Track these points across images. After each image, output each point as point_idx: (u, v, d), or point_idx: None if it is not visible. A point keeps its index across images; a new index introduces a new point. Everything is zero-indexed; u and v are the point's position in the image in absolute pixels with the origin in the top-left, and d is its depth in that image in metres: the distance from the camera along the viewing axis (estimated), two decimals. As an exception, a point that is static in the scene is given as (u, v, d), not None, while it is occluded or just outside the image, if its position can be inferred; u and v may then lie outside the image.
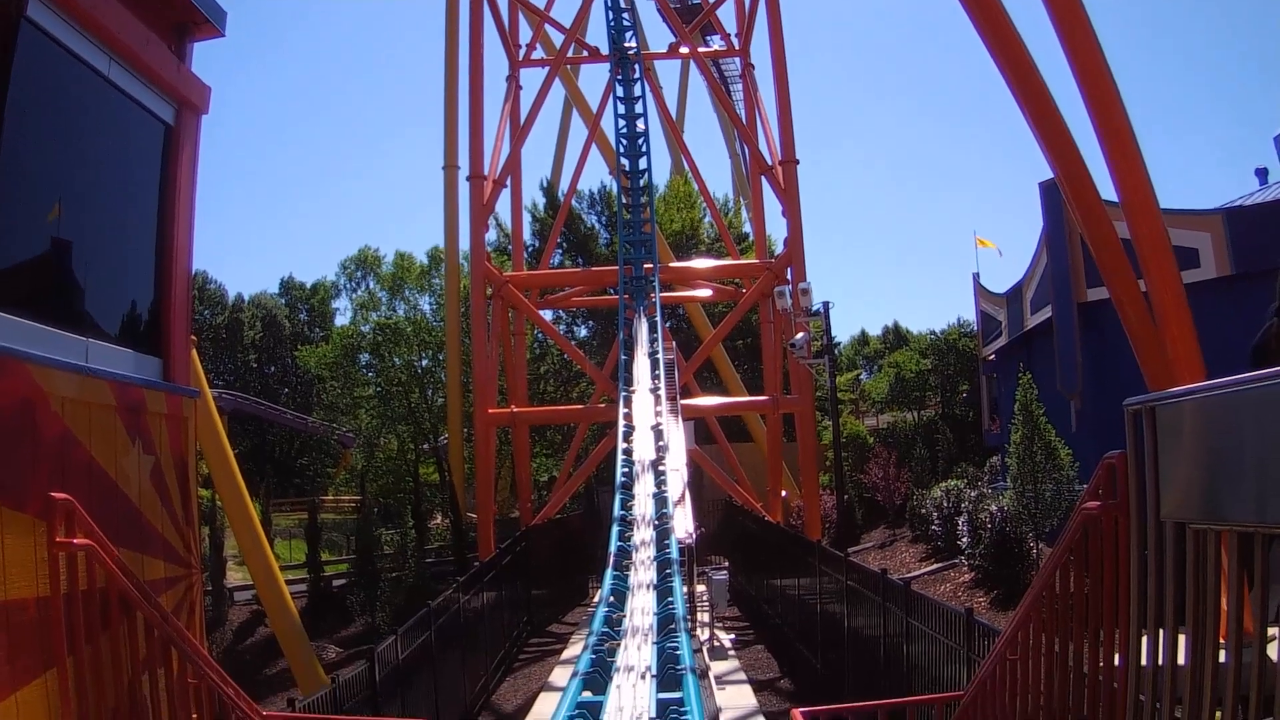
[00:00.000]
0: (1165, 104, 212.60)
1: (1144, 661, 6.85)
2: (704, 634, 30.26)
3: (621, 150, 43.28)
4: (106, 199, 9.96)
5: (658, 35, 68.25)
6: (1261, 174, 48.90)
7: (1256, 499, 5.49)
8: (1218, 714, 5.91)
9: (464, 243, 53.51)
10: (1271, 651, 5.53)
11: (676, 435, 27.80)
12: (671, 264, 48.69)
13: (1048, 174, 24.93)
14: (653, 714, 9.22)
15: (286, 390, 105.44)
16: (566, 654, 30.27)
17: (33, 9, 8.43)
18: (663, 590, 14.40)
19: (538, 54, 51.71)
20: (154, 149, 10.73)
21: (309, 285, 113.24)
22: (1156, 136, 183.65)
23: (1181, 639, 6.35)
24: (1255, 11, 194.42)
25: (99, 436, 8.76)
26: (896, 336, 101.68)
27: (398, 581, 45.08)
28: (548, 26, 51.88)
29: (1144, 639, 6.86)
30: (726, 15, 53.95)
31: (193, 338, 13.41)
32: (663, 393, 29.78)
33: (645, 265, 40.21)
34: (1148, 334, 18.04)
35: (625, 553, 17.31)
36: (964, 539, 34.18)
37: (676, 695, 9.63)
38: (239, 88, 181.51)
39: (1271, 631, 5.59)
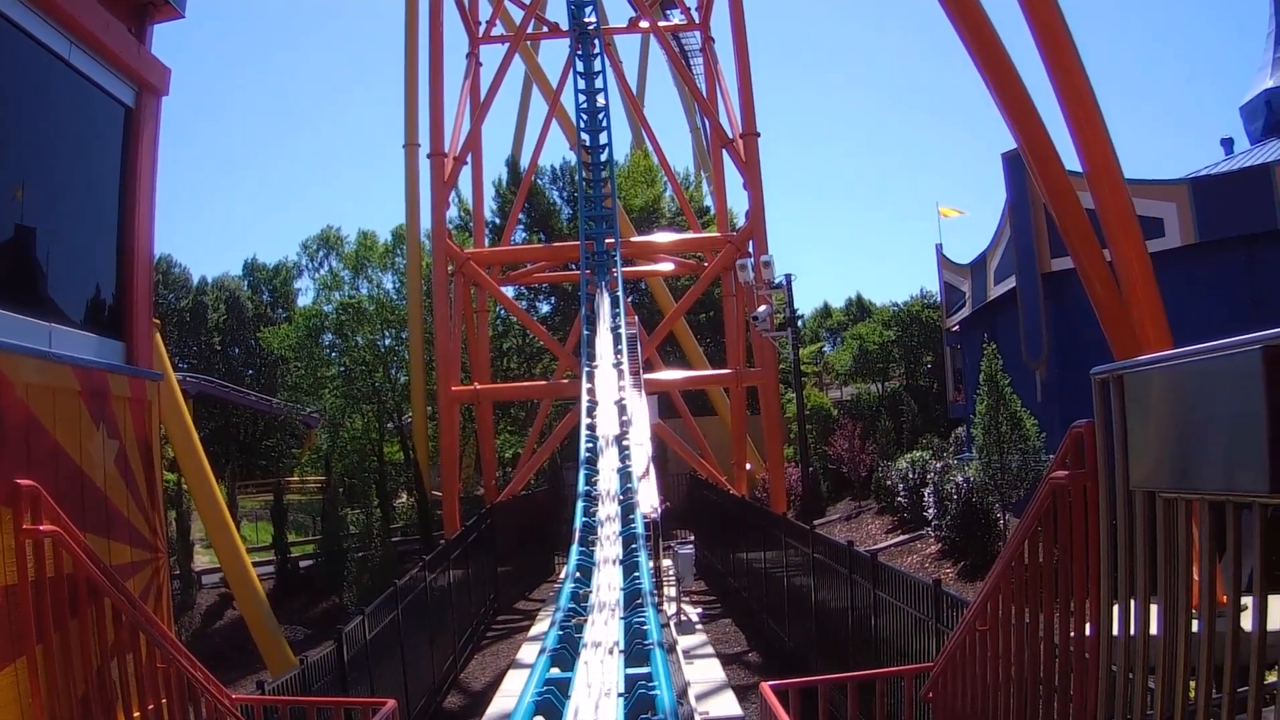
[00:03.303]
0: (1129, 73, 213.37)
1: (1115, 632, 6.86)
2: (671, 608, 30.30)
3: (582, 125, 43.23)
4: (67, 183, 9.88)
5: (618, 10, 68.25)
6: (1227, 144, 49.18)
7: (1227, 467, 5.49)
8: (1191, 684, 5.92)
9: (425, 220, 53.32)
10: (1245, 621, 5.52)
11: (640, 410, 27.75)
12: (633, 238, 48.63)
13: (1011, 144, 24.96)
14: (621, 689, 9.21)
15: (251, 372, 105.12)
16: (534, 630, 30.26)
17: (-7, -7, 8.36)
18: (629, 565, 14.39)
19: (498, 30, 51.48)
20: (114, 132, 10.65)
21: (271, 266, 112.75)
22: (1120, 107, 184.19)
23: (1153, 609, 6.36)
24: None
25: (63, 421, 8.70)
26: (859, 308, 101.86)
27: (364, 561, 45.03)
28: (508, 3, 51.66)
29: (1115, 609, 6.88)
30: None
31: (156, 321, 13.33)
32: (625, 367, 29.77)
33: (607, 240, 40.19)
34: (1113, 303, 18.11)
35: (590, 528, 17.28)
36: (930, 510, 34.34)
37: (645, 670, 9.62)
38: (200, 69, 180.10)
39: (1244, 600, 5.58)
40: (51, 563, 7.71)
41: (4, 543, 7.37)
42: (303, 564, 52.60)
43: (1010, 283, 42.69)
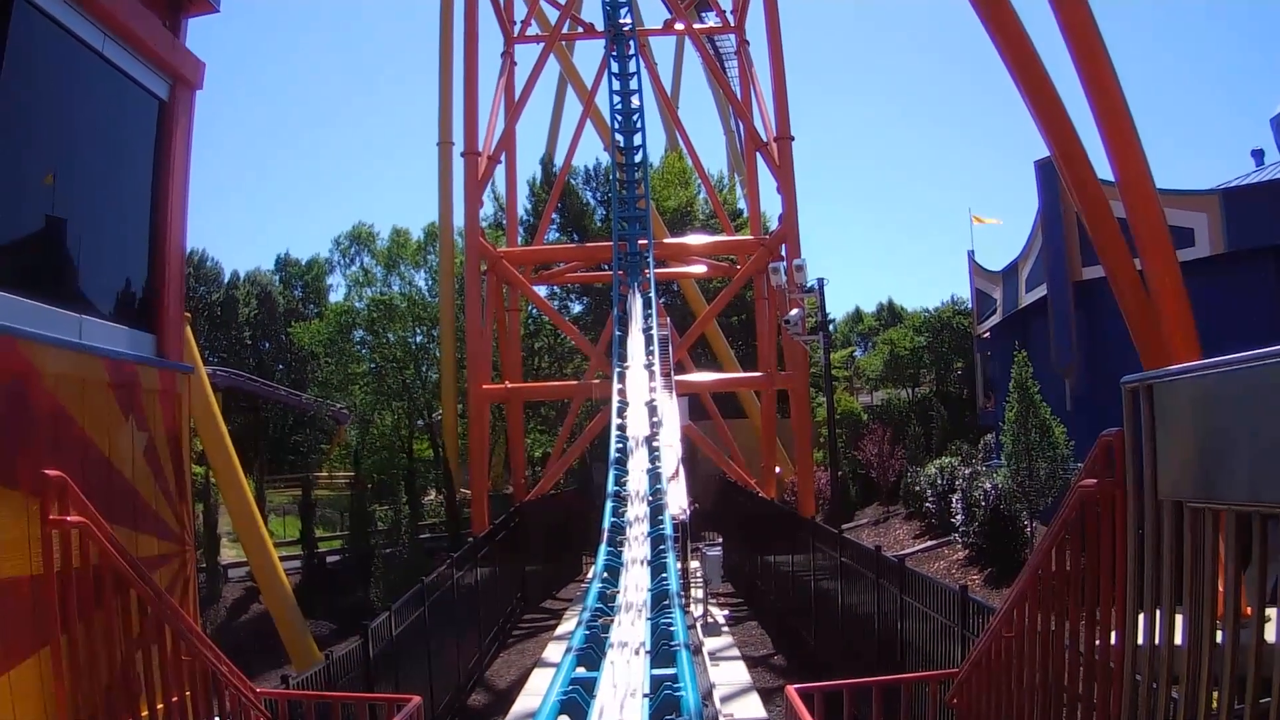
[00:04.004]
0: (1162, 85, 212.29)
1: (1140, 641, 6.85)
2: (698, 610, 30.28)
3: (616, 127, 43.29)
4: (100, 175, 9.91)
5: (653, 11, 68.23)
6: (1258, 155, 48.94)
7: (1254, 479, 5.48)
8: (1214, 694, 5.90)
9: (459, 218, 53.38)
10: (1269, 632, 5.51)
11: (670, 411, 27.76)
12: (666, 240, 48.66)
13: (1044, 153, 24.88)
14: (647, 690, 9.20)
15: (281, 367, 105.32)
16: (560, 630, 30.23)
17: (27, -18, 8.39)
18: (656, 566, 14.40)
19: (533, 30, 51.49)
20: (148, 125, 10.68)
21: (304, 262, 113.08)
22: (1153, 117, 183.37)
23: (1178, 619, 6.34)
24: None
25: (92, 413, 8.73)
26: (891, 313, 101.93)
27: (392, 557, 45.07)
28: (543, 2, 51.72)
29: (1140, 618, 6.86)
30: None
31: (186, 314, 13.36)
32: (657, 369, 29.78)
33: (640, 241, 40.21)
34: (1143, 312, 18.03)
35: (619, 528, 17.29)
36: (958, 516, 34.28)
37: (670, 671, 9.62)
38: (233, 63, 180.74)
39: (1269, 611, 5.57)
40: (78, 553, 7.73)
41: (31, 532, 7.40)
42: (330, 559, 52.63)
43: (1041, 290, 42.64)
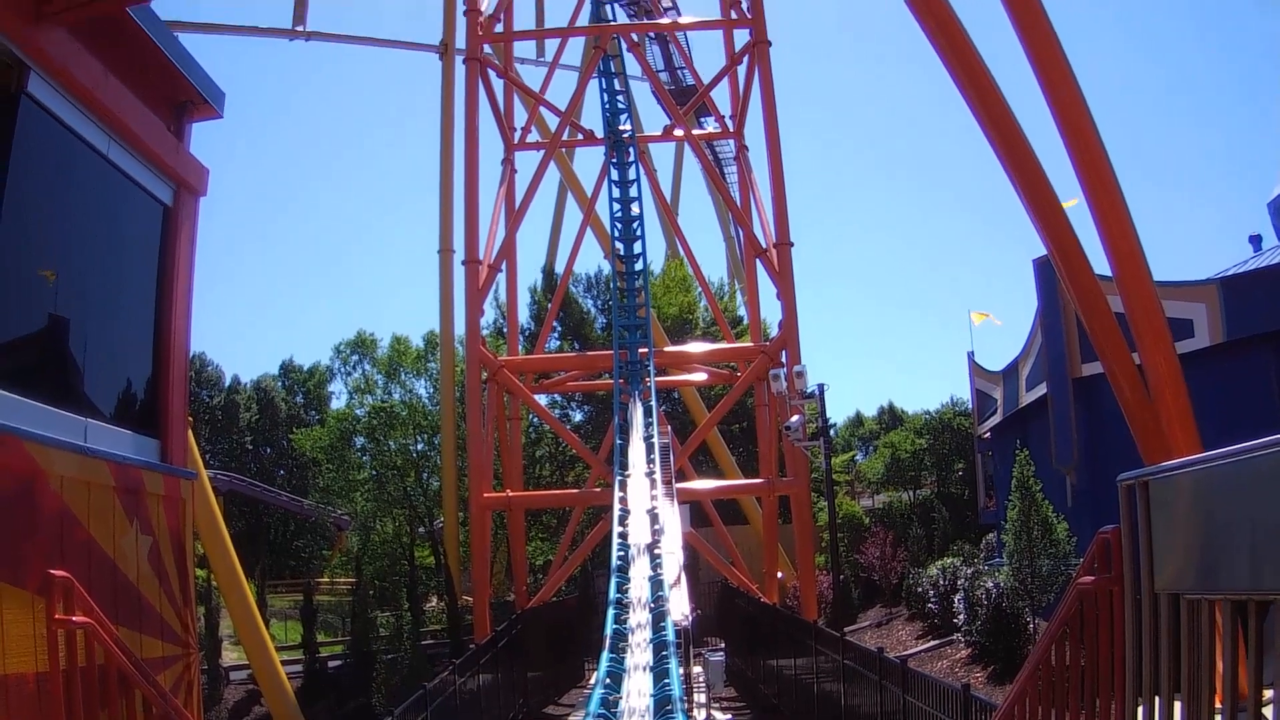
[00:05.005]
0: (1159, 168, 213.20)
1: (1141, 730, 6.87)
2: (701, 715, 30.12)
3: (616, 234, 43.63)
4: (105, 278, 10.02)
5: (652, 116, 68.82)
6: (1256, 240, 49.18)
7: (1248, 567, 5.54)
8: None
9: (459, 326, 53.57)
10: (1266, 715, 5.54)
11: (672, 518, 27.80)
12: (666, 348, 48.72)
13: (1042, 251, 25.05)
14: (651, 794, 9.22)
15: (282, 472, 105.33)
16: (564, 736, 30.10)
17: (33, 84, 8.54)
18: (659, 672, 14.42)
19: (533, 137, 51.99)
20: (152, 230, 10.81)
21: (305, 368, 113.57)
22: (1149, 203, 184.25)
23: (1177, 706, 6.37)
24: (1247, 76, 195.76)
25: (97, 516, 8.79)
26: (892, 416, 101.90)
27: (394, 663, 44.85)
28: (543, 109, 52.18)
29: (1140, 709, 6.89)
30: (721, 97, 54.22)
31: (189, 418, 13.44)
32: (658, 476, 29.86)
33: (640, 349, 40.39)
34: (1142, 407, 18.11)
35: (621, 635, 17.32)
36: (960, 616, 34.15)
37: (675, 775, 9.63)
38: (237, 168, 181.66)
39: (1265, 694, 5.60)
40: (83, 653, 7.77)
41: (37, 630, 7.44)
42: (331, 664, 52.32)
43: (1042, 389, 42.73)
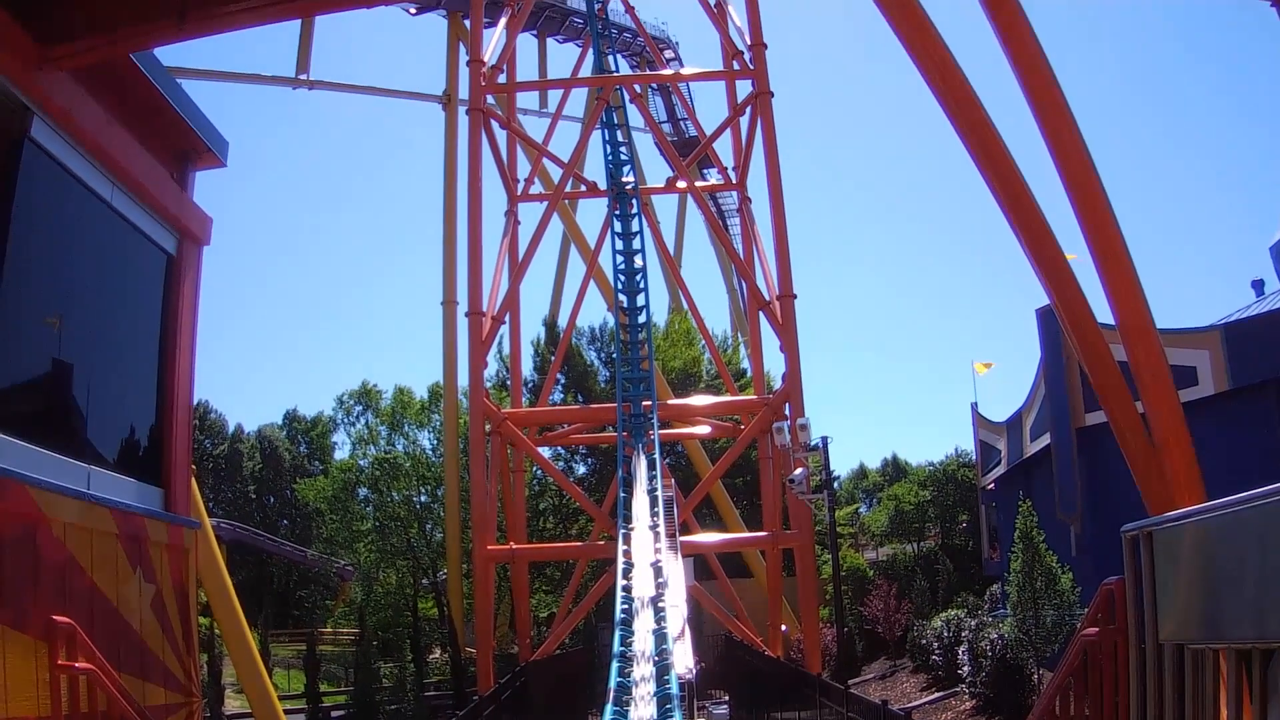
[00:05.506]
0: (1160, 212, 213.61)
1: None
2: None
3: (620, 287, 43.59)
4: (109, 326, 10.05)
5: (655, 168, 68.92)
6: (1258, 285, 49.12)
7: (1253, 615, 5.52)
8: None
9: (463, 378, 53.64)
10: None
11: (676, 572, 27.75)
12: (670, 401, 48.69)
13: (1045, 300, 25.04)
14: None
15: (286, 521, 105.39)
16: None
17: (37, 129, 8.57)
18: (663, 726, 14.35)
19: (536, 188, 52.08)
20: (156, 278, 10.83)
21: (309, 418, 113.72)
22: (1151, 245, 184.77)
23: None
24: (1250, 120, 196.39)
25: (101, 563, 8.78)
26: (895, 468, 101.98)
27: (396, 714, 44.78)
28: (546, 161, 52.33)
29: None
30: (724, 149, 54.34)
31: (192, 467, 13.44)
32: (662, 529, 29.78)
33: (644, 402, 40.34)
34: (1146, 457, 18.04)
35: (625, 688, 17.27)
36: (965, 667, 34.05)
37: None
38: (240, 217, 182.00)
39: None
40: (86, 699, 7.75)
41: (40, 676, 7.42)
42: (335, 714, 52.41)
43: (1045, 440, 42.62)
